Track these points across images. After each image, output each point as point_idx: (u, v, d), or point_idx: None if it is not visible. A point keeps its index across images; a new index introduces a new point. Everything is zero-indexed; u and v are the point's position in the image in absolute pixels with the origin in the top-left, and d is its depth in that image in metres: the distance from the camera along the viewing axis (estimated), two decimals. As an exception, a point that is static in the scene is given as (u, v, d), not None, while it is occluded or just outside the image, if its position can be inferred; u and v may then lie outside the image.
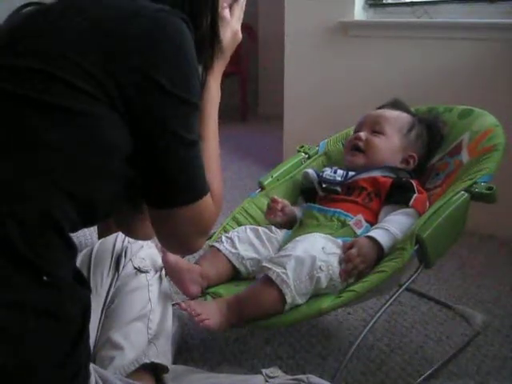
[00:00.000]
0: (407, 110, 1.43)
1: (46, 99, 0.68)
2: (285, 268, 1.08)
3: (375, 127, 1.37)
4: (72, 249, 0.72)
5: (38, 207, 0.67)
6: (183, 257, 1.25)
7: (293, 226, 1.35)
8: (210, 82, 0.92)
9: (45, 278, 0.66)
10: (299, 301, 1.09)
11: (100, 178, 0.73)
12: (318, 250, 1.12)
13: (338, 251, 1.15)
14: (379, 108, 1.45)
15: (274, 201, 1.37)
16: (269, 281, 1.09)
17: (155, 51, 0.73)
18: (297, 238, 1.18)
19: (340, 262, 1.13)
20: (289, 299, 1.07)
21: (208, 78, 0.92)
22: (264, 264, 1.12)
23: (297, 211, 1.37)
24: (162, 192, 0.79)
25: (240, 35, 0.96)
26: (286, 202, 1.38)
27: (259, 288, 1.11)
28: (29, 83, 0.69)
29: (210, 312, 1.08)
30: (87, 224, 0.79)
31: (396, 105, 1.43)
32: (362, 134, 1.37)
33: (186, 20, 0.76)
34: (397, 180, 1.29)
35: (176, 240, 0.86)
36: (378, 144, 1.35)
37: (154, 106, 0.73)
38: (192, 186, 0.80)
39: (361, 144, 1.36)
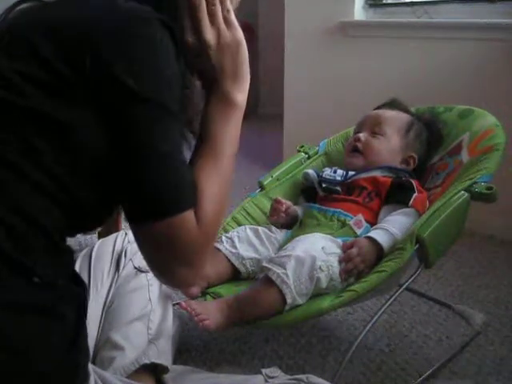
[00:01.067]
0: (406, 110, 1.43)
1: (23, 103, 0.67)
2: (285, 268, 1.08)
3: (374, 128, 1.37)
4: (64, 250, 0.71)
5: (21, 211, 0.66)
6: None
7: (294, 225, 1.35)
8: (212, 98, 0.81)
9: (36, 279, 0.66)
10: (299, 301, 1.09)
11: (85, 185, 0.71)
12: (318, 249, 1.12)
13: (338, 251, 1.15)
14: (377, 108, 1.45)
15: (277, 202, 1.37)
16: (269, 281, 1.09)
17: (126, 53, 0.69)
18: (297, 238, 1.18)
19: (340, 262, 1.13)
20: (289, 300, 1.07)
21: (210, 94, 0.82)
22: (264, 264, 1.12)
23: (299, 210, 1.37)
24: (130, 203, 0.72)
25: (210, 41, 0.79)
26: (289, 203, 1.37)
27: (259, 289, 1.11)
28: (7, 85, 0.68)
29: (210, 312, 1.08)
30: (79, 229, 0.78)
31: (394, 104, 1.43)
32: (361, 136, 1.37)
33: (163, 20, 0.71)
34: (396, 179, 1.29)
35: (154, 264, 0.75)
36: (376, 145, 1.35)
37: (125, 110, 0.68)
38: (159, 199, 0.70)
39: (359, 145, 1.36)
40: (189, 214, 0.71)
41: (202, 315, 1.07)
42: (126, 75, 0.67)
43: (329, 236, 1.19)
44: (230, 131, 0.80)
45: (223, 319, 1.09)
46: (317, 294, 1.11)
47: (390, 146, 1.35)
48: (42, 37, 0.69)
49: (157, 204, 0.70)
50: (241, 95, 0.81)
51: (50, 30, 0.70)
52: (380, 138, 1.36)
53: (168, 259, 0.73)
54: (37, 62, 0.68)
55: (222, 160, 0.78)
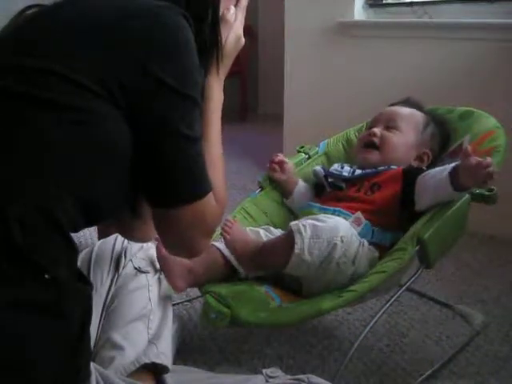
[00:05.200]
0: (420, 108, 1.41)
1: (47, 96, 0.69)
2: (306, 223, 1.08)
3: (389, 123, 1.36)
4: (74, 247, 0.72)
5: (38, 206, 0.67)
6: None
7: (290, 193, 1.41)
8: (214, 85, 0.91)
9: (46, 276, 0.66)
10: (306, 256, 1.07)
11: (101, 177, 0.73)
12: (345, 222, 1.13)
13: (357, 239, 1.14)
14: (391, 105, 1.44)
15: (275, 155, 1.43)
16: (289, 232, 1.10)
17: (156, 47, 0.73)
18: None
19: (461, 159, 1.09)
20: (296, 249, 1.06)
21: (211, 81, 0.91)
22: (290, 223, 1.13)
23: (301, 183, 1.42)
24: (163, 191, 0.78)
25: (243, 40, 0.95)
26: (287, 160, 1.42)
27: (279, 237, 1.16)
28: (30, 81, 0.69)
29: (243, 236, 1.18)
30: (90, 223, 0.79)
31: (409, 103, 1.42)
32: (377, 130, 1.35)
33: (186, 16, 0.77)
34: (407, 167, 1.28)
35: (180, 242, 0.84)
36: (393, 140, 1.33)
37: (155, 103, 0.73)
38: (193, 184, 0.78)
39: (376, 140, 1.34)
40: (211, 194, 0.81)
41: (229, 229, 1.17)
42: (157, 71, 0.72)
43: None
44: (218, 115, 0.92)
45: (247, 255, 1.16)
46: (318, 295, 1.11)
47: (406, 141, 1.34)
48: (72, 38, 0.73)
49: (197, 186, 0.79)
50: None
51: (82, 32, 0.74)
52: (396, 132, 1.34)
53: (196, 234, 0.82)
54: (67, 62, 0.70)
55: (215, 139, 0.90)
